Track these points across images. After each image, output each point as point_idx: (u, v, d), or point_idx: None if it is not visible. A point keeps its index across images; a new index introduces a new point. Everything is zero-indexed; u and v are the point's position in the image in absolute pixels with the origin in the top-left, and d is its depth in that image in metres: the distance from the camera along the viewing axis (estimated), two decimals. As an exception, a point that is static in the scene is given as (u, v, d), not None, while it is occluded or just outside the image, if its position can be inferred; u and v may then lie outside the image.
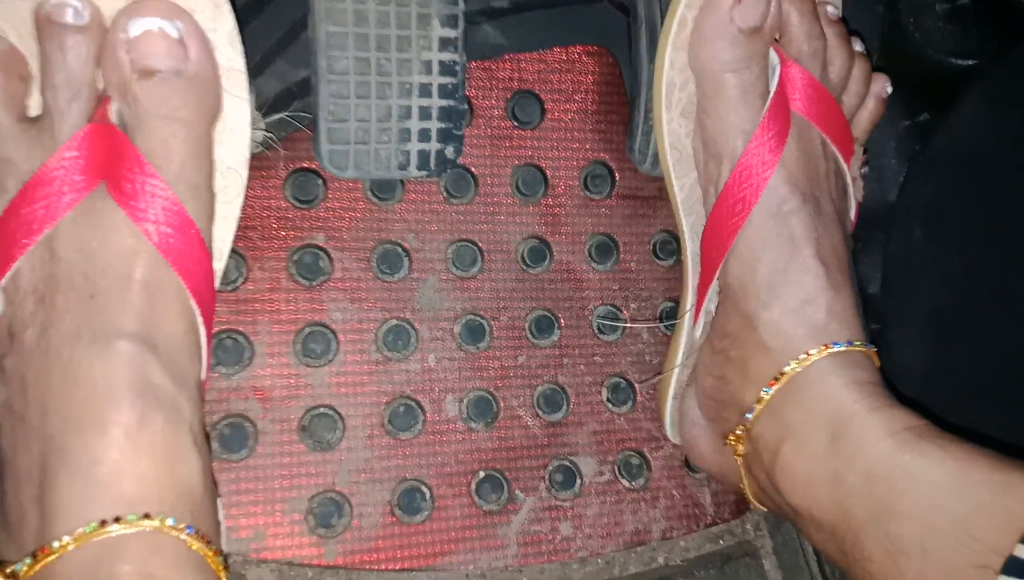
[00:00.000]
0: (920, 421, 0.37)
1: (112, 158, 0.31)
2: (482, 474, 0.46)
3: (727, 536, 0.51)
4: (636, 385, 0.50)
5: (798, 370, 0.40)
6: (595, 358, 0.50)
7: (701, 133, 0.43)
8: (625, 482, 0.49)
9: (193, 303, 0.33)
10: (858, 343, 0.41)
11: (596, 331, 0.50)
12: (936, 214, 0.53)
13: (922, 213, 0.53)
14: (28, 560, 0.28)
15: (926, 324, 0.53)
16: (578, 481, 0.48)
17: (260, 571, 0.42)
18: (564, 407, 0.48)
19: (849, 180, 0.45)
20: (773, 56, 0.42)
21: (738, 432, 0.43)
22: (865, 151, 0.49)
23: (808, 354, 0.40)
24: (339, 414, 0.44)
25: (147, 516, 0.29)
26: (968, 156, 0.53)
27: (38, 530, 0.29)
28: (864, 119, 0.47)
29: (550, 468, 0.48)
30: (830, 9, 0.45)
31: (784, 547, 0.51)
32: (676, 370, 0.47)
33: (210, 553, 0.31)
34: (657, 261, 0.52)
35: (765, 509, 0.45)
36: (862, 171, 0.48)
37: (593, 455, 0.49)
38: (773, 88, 0.42)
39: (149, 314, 0.32)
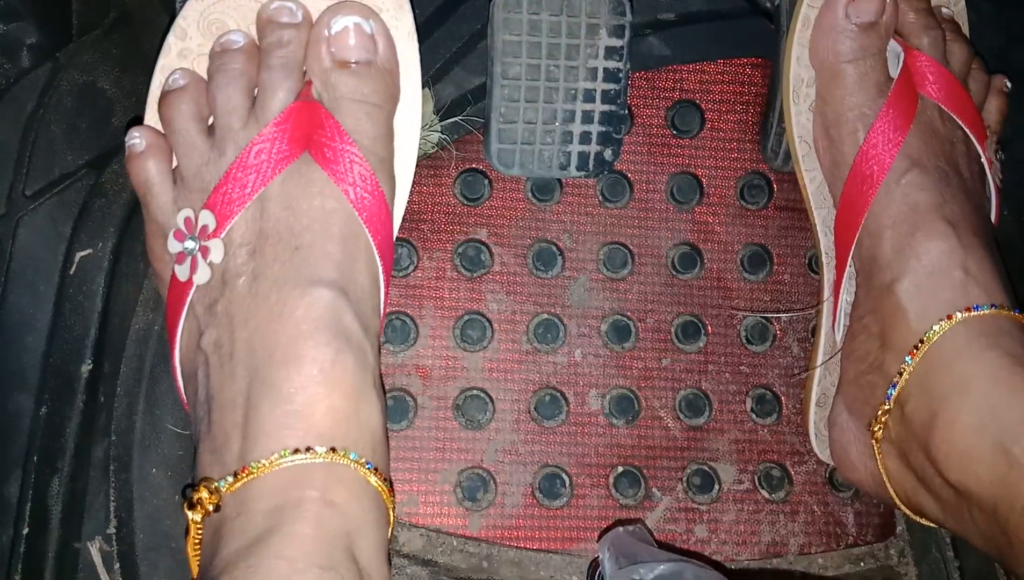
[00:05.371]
0: None
1: (314, 130, 0.36)
2: (620, 469, 0.48)
3: (868, 559, 0.49)
4: (783, 398, 0.50)
5: (940, 334, 0.39)
6: (741, 367, 0.50)
7: (821, 120, 0.45)
8: (764, 493, 0.49)
9: (378, 259, 0.37)
10: (1003, 307, 0.40)
11: (744, 341, 0.50)
12: None
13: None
14: (230, 479, 0.32)
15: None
16: (716, 486, 0.48)
17: (410, 534, 0.45)
18: (706, 413, 0.49)
19: (984, 161, 0.46)
20: (896, 46, 0.44)
21: (882, 412, 0.42)
22: (998, 140, 0.48)
23: (949, 318, 0.39)
24: (490, 397, 0.47)
25: (334, 450, 0.33)
26: None
27: (240, 452, 0.33)
28: (992, 110, 0.48)
29: (688, 471, 0.48)
30: (944, 10, 0.47)
31: (930, 577, 0.49)
32: (818, 372, 0.47)
33: (385, 489, 0.34)
34: (812, 275, 0.51)
35: (916, 518, 0.44)
36: (998, 156, 0.48)
37: (733, 463, 0.49)
38: (897, 74, 0.44)
39: (344, 265, 0.36)
